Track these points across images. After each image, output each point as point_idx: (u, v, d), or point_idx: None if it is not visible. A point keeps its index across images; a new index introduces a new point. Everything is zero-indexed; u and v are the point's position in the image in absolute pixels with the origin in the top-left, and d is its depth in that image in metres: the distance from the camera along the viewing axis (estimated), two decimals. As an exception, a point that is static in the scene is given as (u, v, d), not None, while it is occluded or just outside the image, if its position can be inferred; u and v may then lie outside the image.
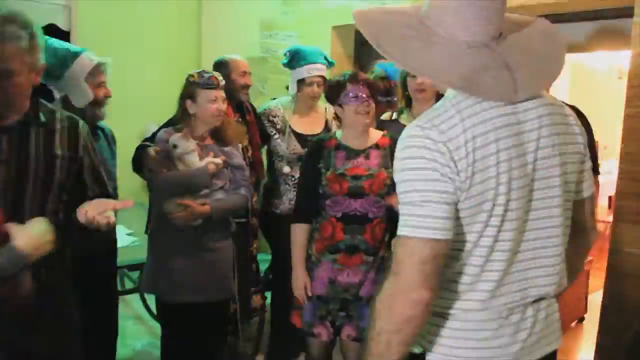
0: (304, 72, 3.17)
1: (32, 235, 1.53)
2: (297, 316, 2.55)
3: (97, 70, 2.48)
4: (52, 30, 4.50)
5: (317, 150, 2.51)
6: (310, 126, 3.24)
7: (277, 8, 4.39)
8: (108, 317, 2.73)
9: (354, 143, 2.47)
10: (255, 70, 3.65)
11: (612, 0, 2.80)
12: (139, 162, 2.66)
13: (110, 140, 2.74)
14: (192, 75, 2.61)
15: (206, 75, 2.61)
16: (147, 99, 4.57)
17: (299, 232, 2.50)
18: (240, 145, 2.81)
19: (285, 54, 3.27)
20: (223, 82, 2.63)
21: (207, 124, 2.62)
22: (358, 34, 4.13)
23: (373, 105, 2.45)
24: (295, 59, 3.21)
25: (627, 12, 2.66)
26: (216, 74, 2.64)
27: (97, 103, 2.49)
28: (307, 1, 4.17)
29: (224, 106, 2.62)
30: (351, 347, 2.49)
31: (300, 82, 3.20)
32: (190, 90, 2.60)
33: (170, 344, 2.73)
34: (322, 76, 3.18)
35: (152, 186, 2.66)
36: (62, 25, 4.65)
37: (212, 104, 2.57)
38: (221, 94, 2.61)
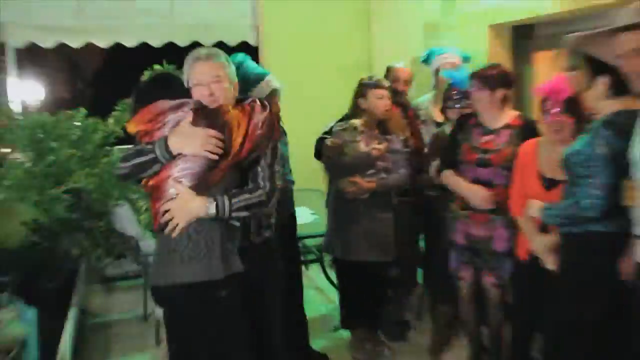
0: (436, 62, 3.76)
1: None
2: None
3: (273, 93, 3.04)
4: (244, 46, 5.37)
5: (460, 125, 3.07)
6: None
7: (437, 9, 4.80)
8: (295, 284, 3.32)
9: (490, 122, 2.97)
10: (421, 69, 4.14)
11: None
12: (319, 151, 3.31)
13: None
14: (363, 78, 3.34)
15: (374, 77, 3.34)
16: (323, 99, 4.92)
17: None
18: (401, 135, 3.40)
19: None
20: (388, 84, 3.33)
21: (375, 116, 3.30)
22: (514, 30, 4.40)
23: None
24: (430, 55, 3.85)
25: None
26: (382, 78, 3.39)
27: None
28: (465, 2, 4.52)
29: (389, 102, 3.30)
30: (493, 293, 3.00)
31: (435, 73, 3.72)
32: (361, 90, 3.32)
33: (346, 297, 3.49)
34: (454, 63, 3.64)
35: (329, 169, 3.36)
36: (252, 42, 5.51)
37: (380, 100, 3.28)
38: (386, 92, 3.29)
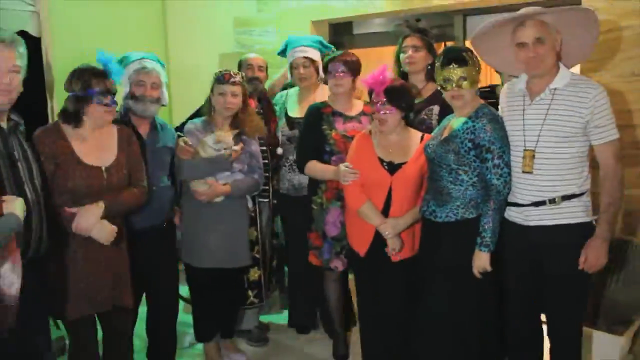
0: (289, 57, 3.58)
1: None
2: (314, 256, 3.25)
3: (137, 72, 2.96)
4: (22, 36, 4.76)
5: (317, 115, 3.18)
6: (302, 111, 3.46)
7: (250, 3, 4.89)
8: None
9: (347, 110, 3.21)
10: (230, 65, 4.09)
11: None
12: None
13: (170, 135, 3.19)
14: (215, 73, 3.14)
15: (224, 71, 3.13)
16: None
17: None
18: (257, 134, 3.30)
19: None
20: (236, 79, 3.10)
21: (221, 114, 3.13)
22: (332, 27, 4.74)
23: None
24: (287, 47, 3.63)
25: (576, 3, 3.41)
26: (234, 71, 3.15)
27: (135, 98, 2.95)
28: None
29: (234, 100, 3.10)
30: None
31: (290, 68, 3.59)
32: (211, 85, 3.14)
33: (198, 306, 3.36)
34: (307, 57, 3.50)
35: (181, 170, 3.11)
36: (33, 31, 4.92)
37: (220, 97, 3.09)
38: (231, 88, 3.08)
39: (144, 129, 2.97)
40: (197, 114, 3.38)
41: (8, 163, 2.14)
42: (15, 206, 2.02)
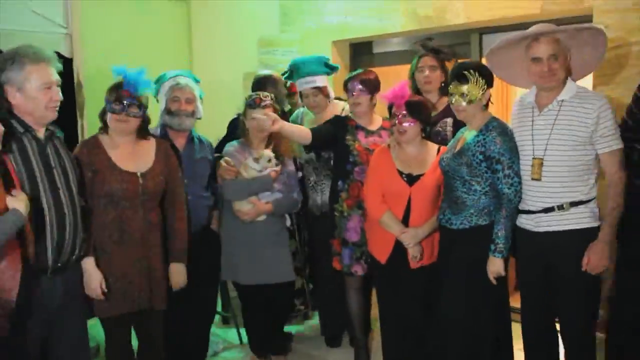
0: (298, 85, 3.67)
1: None
2: (337, 262, 3.42)
3: (172, 88, 3.17)
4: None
5: (341, 125, 3.36)
6: None
7: (274, 24, 5.12)
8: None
9: (368, 124, 3.38)
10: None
11: (573, 11, 3.68)
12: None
13: (207, 148, 3.39)
14: (246, 97, 3.32)
15: (254, 95, 3.30)
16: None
17: None
18: (292, 155, 3.48)
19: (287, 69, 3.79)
20: (266, 102, 3.23)
21: (256, 136, 3.30)
22: (352, 46, 4.94)
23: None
24: (294, 73, 3.69)
25: (587, 20, 3.56)
26: (264, 94, 3.29)
27: (171, 113, 3.17)
28: (307, 18, 4.93)
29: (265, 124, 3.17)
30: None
31: (301, 95, 3.71)
32: (244, 109, 3.32)
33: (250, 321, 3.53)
34: (317, 87, 3.58)
35: (225, 191, 3.29)
36: (65, 52, 5.18)
37: (252, 122, 3.23)
38: (262, 112, 3.17)
39: (180, 143, 3.18)
40: (228, 135, 3.60)
41: (44, 169, 2.33)
42: (20, 203, 2.04)
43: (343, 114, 3.54)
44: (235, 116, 3.72)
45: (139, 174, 2.74)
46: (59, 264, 2.35)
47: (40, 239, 2.24)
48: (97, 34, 5.25)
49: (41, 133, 2.37)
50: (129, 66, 2.80)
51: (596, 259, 2.57)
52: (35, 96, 2.29)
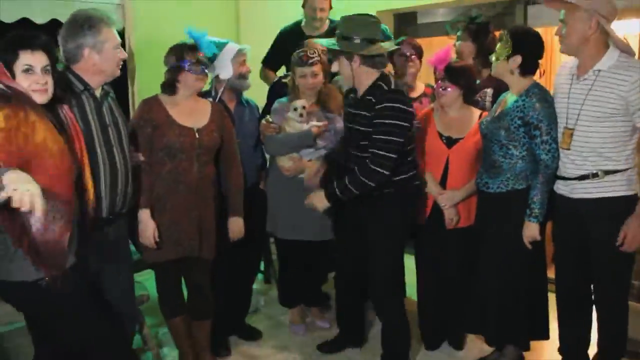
0: None
1: None
2: None
3: (239, 53, 3.30)
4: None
5: None
6: None
7: None
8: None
9: (409, 92, 3.42)
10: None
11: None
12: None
13: (255, 110, 3.55)
14: (293, 54, 3.38)
15: (301, 52, 3.35)
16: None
17: None
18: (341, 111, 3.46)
19: None
20: (314, 59, 3.30)
21: (304, 93, 3.37)
22: (396, 17, 5.03)
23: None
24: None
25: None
26: (311, 51, 3.35)
27: (241, 76, 3.34)
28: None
29: (314, 81, 3.32)
30: None
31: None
32: (291, 66, 3.41)
33: (284, 275, 3.74)
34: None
35: (266, 145, 3.45)
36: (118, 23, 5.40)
37: (302, 79, 3.33)
38: (310, 70, 3.31)
39: (232, 104, 3.37)
40: (275, 89, 3.76)
41: (100, 127, 2.52)
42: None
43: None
44: (277, 80, 3.90)
45: (195, 129, 2.93)
46: (111, 216, 2.56)
47: (95, 191, 2.40)
48: (147, 6, 5.46)
49: (98, 92, 2.56)
50: (177, 38, 3.02)
51: (632, 235, 2.59)
52: (111, 56, 2.50)
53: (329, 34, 4.11)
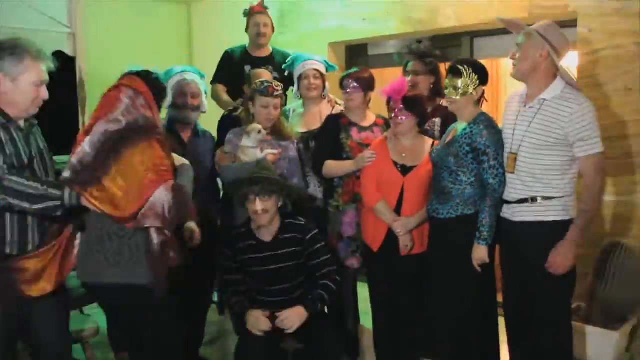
0: (300, 68, 3.81)
1: None
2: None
3: (177, 83, 3.39)
4: (58, 56, 5.22)
5: (334, 123, 3.51)
6: (307, 124, 3.78)
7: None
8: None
9: (361, 121, 3.54)
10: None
11: (558, 15, 3.88)
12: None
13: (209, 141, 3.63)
14: (255, 83, 3.43)
15: (266, 83, 3.39)
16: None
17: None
18: (295, 140, 3.57)
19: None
20: (278, 92, 3.37)
21: (260, 124, 3.37)
22: (348, 48, 5.17)
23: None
24: (295, 61, 3.89)
25: (572, 24, 3.78)
26: (275, 83, 3.41)
27: (184, 106, 3.40)
28: (304, 22, 5.17)
29: (274, 112, 3.38)
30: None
31: (299, 79, 3.82)
32: (252, 94, 3.42)
33: None
34: (318, 70, 3.78)
35: (222, 175, 3.46)
36: (68, 51, 5.39)
37: (263, 109, 3.37)
38: (273, 101, 3.36)
39: (186, 135, 3.38)
40: (225, 122, 3.78)
41: (27, 159, 2.43)
42: None
43: (335, 112, 3.73)
44: (226, 114, 3.96)
45: None
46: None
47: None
48: (100, 34, 5.47)
49: (21, 123, 2.48)
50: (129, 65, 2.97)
51: (560, 259, 2.70)
52: (26, 90, 2.41)
53: (272, 59, 4.34)
